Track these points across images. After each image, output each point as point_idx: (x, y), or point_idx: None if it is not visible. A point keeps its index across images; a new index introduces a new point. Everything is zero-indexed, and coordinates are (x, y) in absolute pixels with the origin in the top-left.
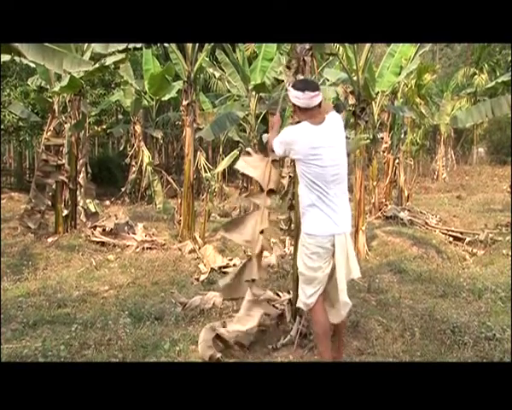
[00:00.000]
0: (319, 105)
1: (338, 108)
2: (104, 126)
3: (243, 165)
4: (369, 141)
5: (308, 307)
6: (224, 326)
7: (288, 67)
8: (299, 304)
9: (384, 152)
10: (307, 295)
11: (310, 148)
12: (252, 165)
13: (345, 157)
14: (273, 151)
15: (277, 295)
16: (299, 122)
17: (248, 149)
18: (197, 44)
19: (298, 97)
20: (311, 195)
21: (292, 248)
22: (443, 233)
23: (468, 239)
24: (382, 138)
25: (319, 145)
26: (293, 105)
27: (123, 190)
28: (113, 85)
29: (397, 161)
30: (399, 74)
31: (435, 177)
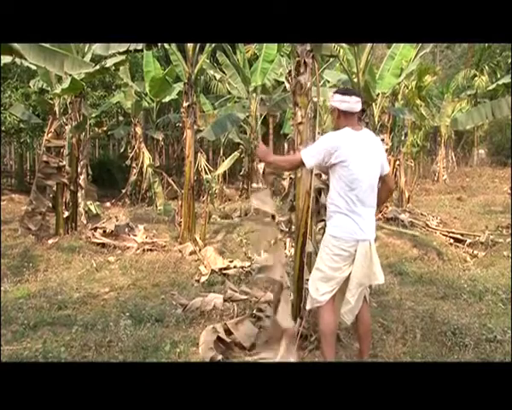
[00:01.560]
0: (357, 115)
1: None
2: (105, 128)
3: (259, 202)
4: None
5: (319, 304)
6: (225, 328)
7: (290, 74)
8: (308, 304)
9: None
10: (321, 293)
11: (353, 151)
12: (263, 200)
13: (379, 170)
14: (302, 164)
15: None
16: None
17: (255, 186)
18: (198, 46)
19: (346, 101)
20: (341, 200)
21: (292, 250)
22: (443, 235)
23: (468, 241)
24: (383, 140)
25: (361, 150)
26: (337, 111)
27: (123, 191)
28: (113, 87)
29: (397, 162)
30: (400, 76)
31: (436, 178)
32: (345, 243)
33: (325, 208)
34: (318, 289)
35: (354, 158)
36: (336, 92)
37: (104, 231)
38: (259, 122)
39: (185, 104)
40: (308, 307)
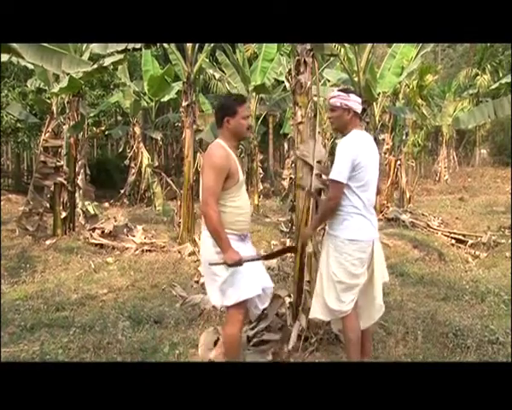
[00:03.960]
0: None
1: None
2: (103, 128)
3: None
4: None
5: (345, 314)
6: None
7: (290, 73)
8: (325, 316)
9: (385, 154)
10: (346, 303)
11: (367, 154)
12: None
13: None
14: (339, 188)
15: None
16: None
17: None
18: (197, 45)
19: (358, 102)
20: (357, 201)
21: None
22: (445, 235)
23: (470, 242)
24: (384, 140)
25: (371, 151)
26: (352, 112)
27: (122, 191)
28: (112, 86)
29: (398, 162)
30: (401, 75)
31: (437, 178)
32: (364, 245)
33: None
34: (342, 301)
35: (369, 160)
36: (346, 92)
37: (102, 232)
38: (259, 122)
39: (184, 104)
40: (326, 318)
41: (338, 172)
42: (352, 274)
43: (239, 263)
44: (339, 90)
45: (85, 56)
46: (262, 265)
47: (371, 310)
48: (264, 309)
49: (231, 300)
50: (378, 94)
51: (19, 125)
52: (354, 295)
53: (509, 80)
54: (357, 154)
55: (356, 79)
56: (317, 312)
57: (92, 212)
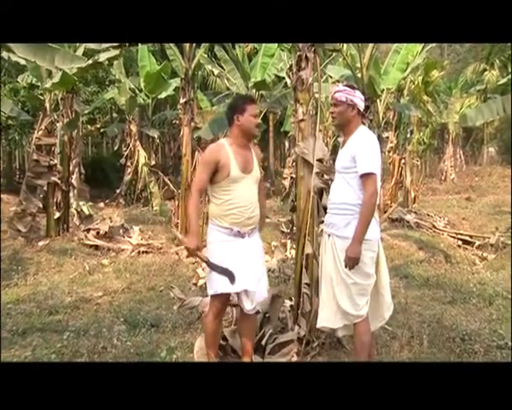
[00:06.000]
0: None
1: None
2: (98, 125)
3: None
4: None
5: (361, 319)
6: (221, 335)
7: (291, 69)
8: (339, 322)
9: (389, 152)
10: (361, 306)
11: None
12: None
13: None
14: (376, 182)
15: None
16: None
17: None
18: None
19: (362, 99)
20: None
21: (293, 252)
22: (451, 237)
23: (477, 243)
24: (388, 138)
25: None
26: (356, 109)
27: (118, 191)
28: (107, 83)
29: (403, 161)
30: (405, 71)
31: (443, 178)
32: (374, 244)
33: (325, 209)
34: (358, 304)
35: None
36: (352, 88)
37: (97, 233)
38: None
39: (182, 101)
40: (337, 326)
41: (372, 164)
42: (367, 274)
43: (194, 253)
44: (344, 85)
45: (79, 52)
46: (254, 268)
47: (381, 309)
48: (266, 313)
49: (209, 290)
50: (382, 90)
51: (10, 122)
52: (367, 298)
53: None
54: (378, 149)
55: (359, 75)
56: (326, 321)
57: (87, 212)
